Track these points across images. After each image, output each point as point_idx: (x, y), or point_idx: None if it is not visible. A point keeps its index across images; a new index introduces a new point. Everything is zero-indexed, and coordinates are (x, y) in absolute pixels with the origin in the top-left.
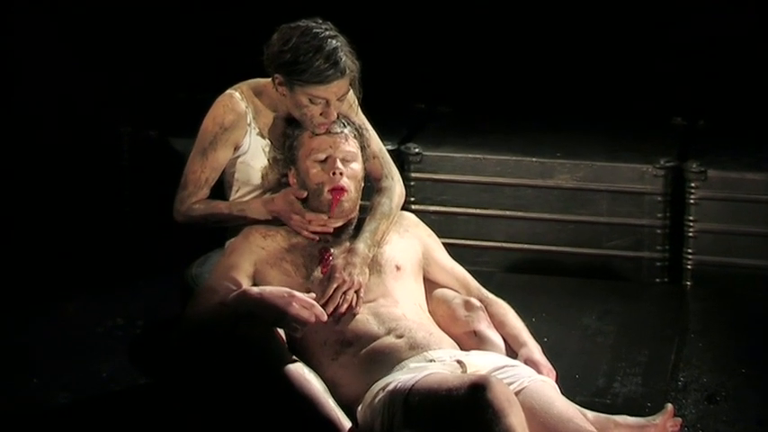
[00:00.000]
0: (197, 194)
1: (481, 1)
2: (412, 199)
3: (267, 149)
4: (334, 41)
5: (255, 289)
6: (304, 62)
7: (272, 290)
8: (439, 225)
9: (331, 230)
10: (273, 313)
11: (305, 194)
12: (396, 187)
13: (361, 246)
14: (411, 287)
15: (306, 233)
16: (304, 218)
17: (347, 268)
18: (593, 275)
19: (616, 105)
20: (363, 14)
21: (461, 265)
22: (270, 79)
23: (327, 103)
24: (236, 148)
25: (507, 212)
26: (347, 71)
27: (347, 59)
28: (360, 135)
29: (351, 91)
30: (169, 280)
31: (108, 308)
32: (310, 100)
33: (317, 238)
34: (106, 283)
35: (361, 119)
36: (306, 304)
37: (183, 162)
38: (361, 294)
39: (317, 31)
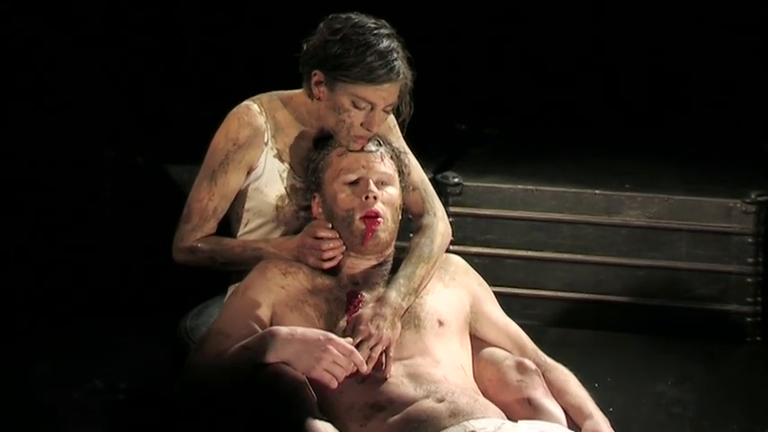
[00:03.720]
0: (203, 228)
1: (535, 7)
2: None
3: (285, 175)
4: (390, 41)
5: (284, 329)
6: (355, 56)
7: (305, 331)
8: (482, 270)
9: (341, 249)
10: (306, 360)
11: (329, 227)
12: (439, 225)
13: (393, 294)
14: (455, 347)
15: (325, 264)
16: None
17: (375, 320)
18: (670, 332)
19: (697, 128)
20: (396, 22)
21: (511, 318)
22: (298, 91)
23: (372, 108)
24: (250, 172)
25: (565, 255)
26: (401, 76)
27: (402, 64)
28: (397, 157)
29: (391, 113)
30: (159, 335)
31: (85, 368)
32: (353, 102)
33: (326, 266)
34: (83, 337)
35: (402, 144)
36: (344, 351)
37: (177, 194)
38: (391, 353)
39: (372, 26)
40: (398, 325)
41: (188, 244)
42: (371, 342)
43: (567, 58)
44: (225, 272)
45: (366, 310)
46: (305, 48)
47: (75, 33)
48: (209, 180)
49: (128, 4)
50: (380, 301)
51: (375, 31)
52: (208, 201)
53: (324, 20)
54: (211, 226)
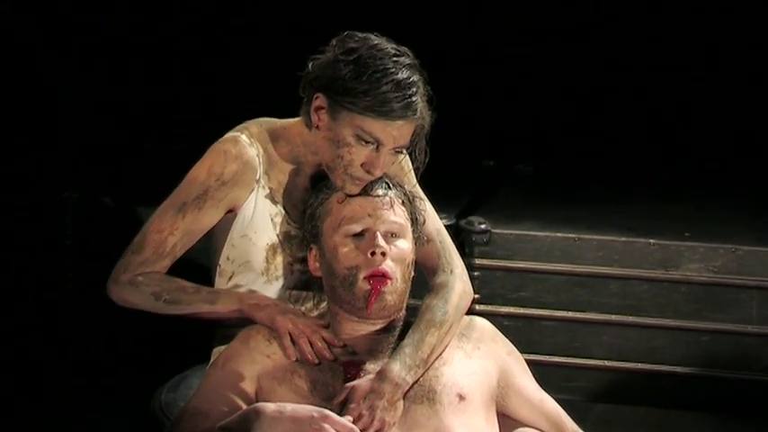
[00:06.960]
0: (154, 265)
1: (579, 25)
2: (476, 296)
3: (278, 220)
4: (411, 73)
5: (271, 405)
6: (368, 82)
7: (296, 408)
8: (514, 334)
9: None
10: None
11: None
12: (455, 285)
13: (396, 367)
14: (479, 424)
15: (310, 356)
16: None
17: (369, 398)
18: (739, 410)
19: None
20: (411, 43)
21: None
22: (293, 120)
23: (378, 147)
24: (228, 212)
25: (612, 317)
26: (418, 114)
27: (421, 102)
28: (410, 202)
29: (403, 155)
30: (129, 411)
31: None
32: (358, 137)
33: (329, 356)
34: (40, 414)
35: (417, 191)
36: (343, 429)
37: None
38: None
39: (393, 51)
40: (399, 405)
41: (129, 276)
42: (360, 426)
43: (615, 84)
44: (208, 332)
45: (363, 383)
46: (310, 66)
47: (40, 59)
48: (177, 211)
49: (96, 32)
50: (380, 374)
51: (395, 58)
52: (168, 234)
53: (337, 36)
54: (164, 265)
